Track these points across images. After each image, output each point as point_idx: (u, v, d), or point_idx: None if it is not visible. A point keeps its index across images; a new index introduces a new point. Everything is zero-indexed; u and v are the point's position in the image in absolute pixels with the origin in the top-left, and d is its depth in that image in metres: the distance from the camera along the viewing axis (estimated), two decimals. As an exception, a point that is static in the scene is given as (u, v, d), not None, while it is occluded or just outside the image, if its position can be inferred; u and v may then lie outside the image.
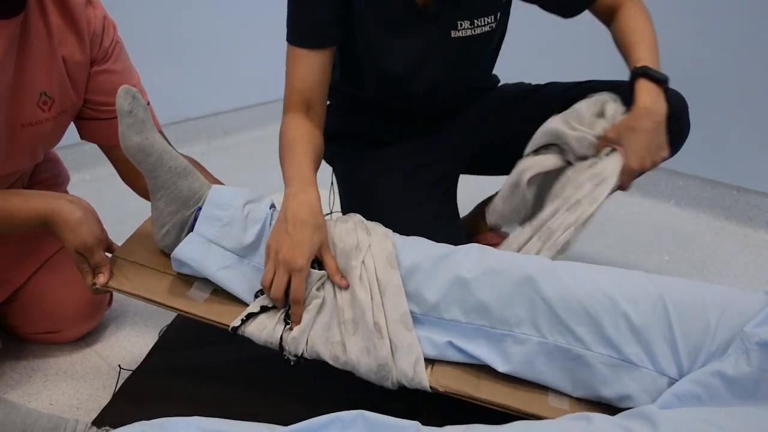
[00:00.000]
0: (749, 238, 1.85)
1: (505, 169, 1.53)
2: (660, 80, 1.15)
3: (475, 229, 1.63)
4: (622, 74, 1.22)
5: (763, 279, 1.66)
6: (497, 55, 1.44)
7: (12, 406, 0.91)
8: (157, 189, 1.08)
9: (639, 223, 1.92)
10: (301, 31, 1.22)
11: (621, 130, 1.12)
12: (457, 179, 1.51)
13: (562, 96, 1.34)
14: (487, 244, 1.12)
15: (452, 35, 1.27)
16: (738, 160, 1.90)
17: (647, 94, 1.14)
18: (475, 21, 1.27)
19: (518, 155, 1.37)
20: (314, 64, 1.22)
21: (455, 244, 1.10)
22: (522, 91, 1.45)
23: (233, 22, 2.54)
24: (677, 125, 1.25)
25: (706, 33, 1.86)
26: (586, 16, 1.34)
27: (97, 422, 1.02)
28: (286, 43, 1.23)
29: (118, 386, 1.18)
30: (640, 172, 1.13)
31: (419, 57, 1.29)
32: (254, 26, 2.59)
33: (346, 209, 1.42)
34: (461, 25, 1.26)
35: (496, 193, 1.56)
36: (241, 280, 1.07)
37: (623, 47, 1.24)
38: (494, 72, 1.50)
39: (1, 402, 0.91)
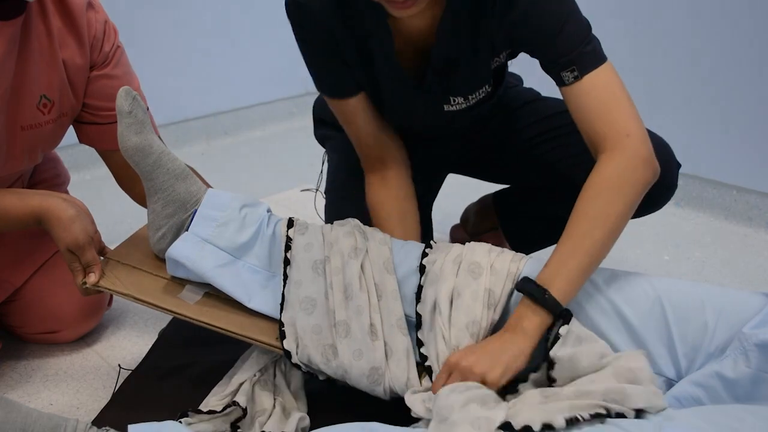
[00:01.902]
0: (749, 238, 1.85)
1: (498, 178, 1.50)
2: (541, 303, 0.92)
3: (476, 226, 1.62)
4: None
5: (763, 279, 1.66)
6: (504, 79, 1.30)
7: (12, 406, 0.91)
8: (154, 191, 1.08)
9: (639, 223, 1.92)
10: (330, 85, 1.18)
11: (464, 355, 0.93)
12: (443, 179, 1.49)
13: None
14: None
15: (445, 109, 1.20)
16: (738, 160, 1.90)
17: (517, 315, 0.93)
18: (469, 96, 1.18)
19: (514, 168, 1.34)
20: (358, 109, 1.18)
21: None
22: (525, 104, 1.36)
23: (233, 22, 2.54)
24: (660, 187, 1.11)
25: (706, 32, 1.86)
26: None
27: (97, 422, 1.02)
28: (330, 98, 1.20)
29: (118, 386, 1.18)
30: (461, 370, 0.91)
31: (415, 116, 1.23)
32: (254, 26, 2.59)
33: (326, 192, 1.42)
34: (454, 100, 1.18)
35: (498, 193, 1.57)
36: (235, 279, 1.07)
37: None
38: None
39: (2, 402, 0.91)
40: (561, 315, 0.92)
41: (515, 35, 1.06)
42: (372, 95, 1.20)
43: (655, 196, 1.09)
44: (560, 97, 1.09)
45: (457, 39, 1.09)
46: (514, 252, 1.06)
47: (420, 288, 1.04)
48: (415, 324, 1.02)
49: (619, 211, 0.95)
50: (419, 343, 1.00)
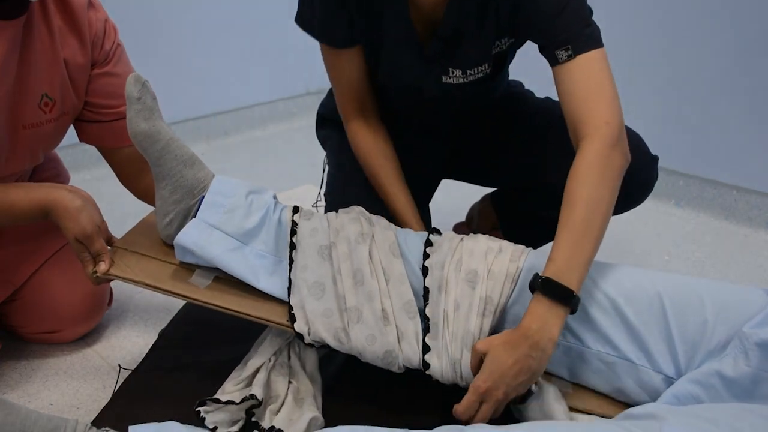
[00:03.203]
0: (749, 238, 1.85)
1: (486, 180, 1.50)
2: (559, 298, 0.91)
3: (479, 225, 1.62)
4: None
5: (763, 279, 1.66)
6: (507, 76, 1.37)
7: (12, 407, 0.91)
8: (162, 177, 1.09)
9: (639, 222, 1.92)
10: (332, 31, 1.20)
11: (491, 346, 0.93)
12: (438, 182, 1.49)
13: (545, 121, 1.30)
14: None
15: (443, 80, 1.22)
16: (738, 160, 1.90)
17: (536, 316, 0.91)
18: (468, 71, 1.21)
19: (499, 168, 1.36)
20: (353, 62, 1.23)
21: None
22: (513, 100, 1.39)
23: (233, 22, 2.54)
24: (639, 181, 1.17)
25: (706, 33, 1.86)
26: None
27: (97, 422, 1.02)
28: (317, 41, 1.23)
29: (118, 386, 1.18)
30: (494, 400, 0.92)
31: (414, 82, 1.25)
32: (255, 26, 2.59)
33: (326, 195, 1.42)
34: (453, 72, 1.21)
35: (495, 192, 1.57)
36: (243, 263, 1.07)
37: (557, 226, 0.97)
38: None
39: (1, 403, 0.91)
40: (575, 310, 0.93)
41: (520, 13, 1.09)
42: (370, 57, 1.24)
43: (634, 191, 1.13)
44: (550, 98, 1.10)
45: (465, 13, 1.12)
46: (514, 247, 1.06)
47: (426, 290, 1.05)
48: (423, 328, 1.03)
49: (608, 196, 0.97)
50: (425, 348, 1.01)
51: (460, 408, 0.93)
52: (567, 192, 0.97)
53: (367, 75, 1.26)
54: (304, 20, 1.22)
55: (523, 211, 1.44)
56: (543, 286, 0.91)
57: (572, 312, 0.92)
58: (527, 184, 1.34)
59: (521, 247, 1.06)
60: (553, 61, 1.05)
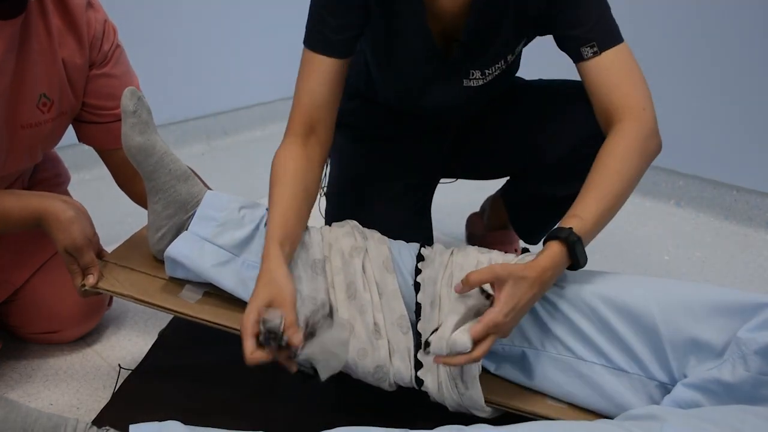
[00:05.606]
0: (749, 238, 1.85)
1: (490, 170, 1.51)
2: (574, 255, 0.95)
3: (490, 219, 1.63)
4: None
5: (763, 279, 1.66)
6: (518, 66, 1.35)
7: (12, 406, 0.91)
8: (156, 192, 1.09)
9: (639, 223, 1.92)
10: (319, 34, 1.12)
11: (512, 277, 0.91)
12: (437, 183, 1.48)
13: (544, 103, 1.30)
14: (492, 246, 1.12)
15: (464, 83, 1.21)
16: (738, 160, 1.90)
17: (554, 261, 0.94)
18: (486, 71, 1.19)
19: (509, 162, 1.36)
20: (326, 72, 1.12)
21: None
22: (515, 91, 1.38)
23: (233, 22, 2.54)
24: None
25: (705, 33, 1.86)
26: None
27: (97, 422, 1.02)
28: (303, 46, 1.15)
29: (118, 386, 1.18)
30: (501, 333, 0.93)
31: (432, 92, 1.24)
32: (254, 26, 2.59)
33: (327, 196, 1.42)
34: (473, 74, 1.20)
35: (503, 188, 1.57)
36: (235, 277, 1.07)
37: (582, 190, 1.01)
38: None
39: (2, 401, 0.91)
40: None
41: (550, 12, 1.09)
42: (385, 70, 1.21)
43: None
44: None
45: (487, 18, 1.11)
46: (503, 258, 1.06)
47: (418, 305, 1.04)
48: (414, 344, 1.02)
49: (636, 174, 1.01)
50: (417, 365, 1.01)
51: (474, 335, 0.88)
52: (603, 163, 0.99)
53: (336, 97, 1.16)
54: (310, 36, 1.14)
55: (528, 197, 1.45)
56: (568, 237, 0.93)
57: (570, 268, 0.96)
58: (526, 166, 1.34)
59: (510, 257, 1.06)
60: (578, 58, 1.08)
